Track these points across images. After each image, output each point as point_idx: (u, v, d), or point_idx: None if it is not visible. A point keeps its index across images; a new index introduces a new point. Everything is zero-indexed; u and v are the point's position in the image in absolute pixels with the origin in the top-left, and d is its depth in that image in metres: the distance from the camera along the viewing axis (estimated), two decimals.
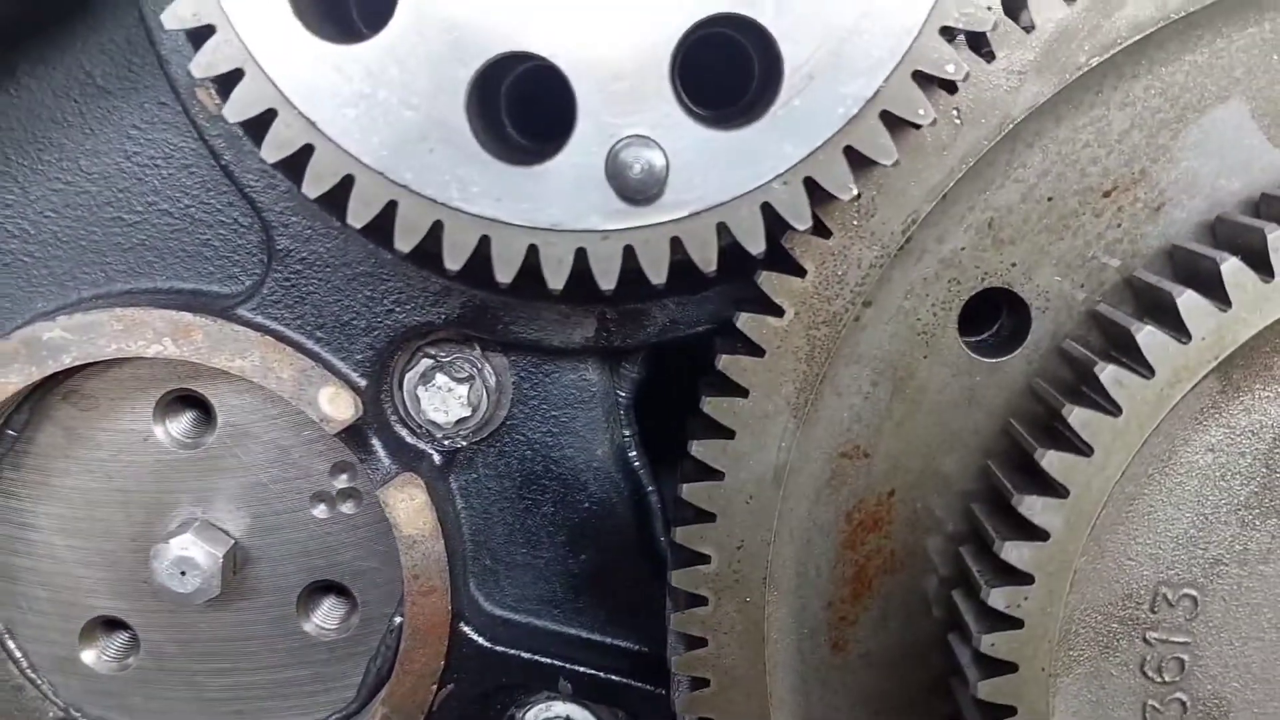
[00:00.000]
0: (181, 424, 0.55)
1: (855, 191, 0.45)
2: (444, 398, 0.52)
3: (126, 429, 0.55)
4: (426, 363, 0.52)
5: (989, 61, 0.52)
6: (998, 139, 0.52)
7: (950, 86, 0.49)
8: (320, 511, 0.56)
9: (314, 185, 0.42)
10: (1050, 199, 0.55)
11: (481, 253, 0.44)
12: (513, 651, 0.54)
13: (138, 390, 0.54)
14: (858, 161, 0.45)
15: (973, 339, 0.55)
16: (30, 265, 0.52)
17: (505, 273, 0.42)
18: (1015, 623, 0.50)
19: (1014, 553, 0.50)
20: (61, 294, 0.53)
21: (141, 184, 0.52)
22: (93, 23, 0.49)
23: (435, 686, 0.53)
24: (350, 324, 0.51)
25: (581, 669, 0.55)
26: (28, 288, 0.53)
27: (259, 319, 0.51)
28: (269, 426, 0.55)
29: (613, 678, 0.55)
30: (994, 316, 0.57)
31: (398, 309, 0.51)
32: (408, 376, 0.53)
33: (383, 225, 0.49)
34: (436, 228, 0.42)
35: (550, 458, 0.54)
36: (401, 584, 0.56)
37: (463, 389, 0.52)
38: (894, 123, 0.46)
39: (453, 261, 0.43)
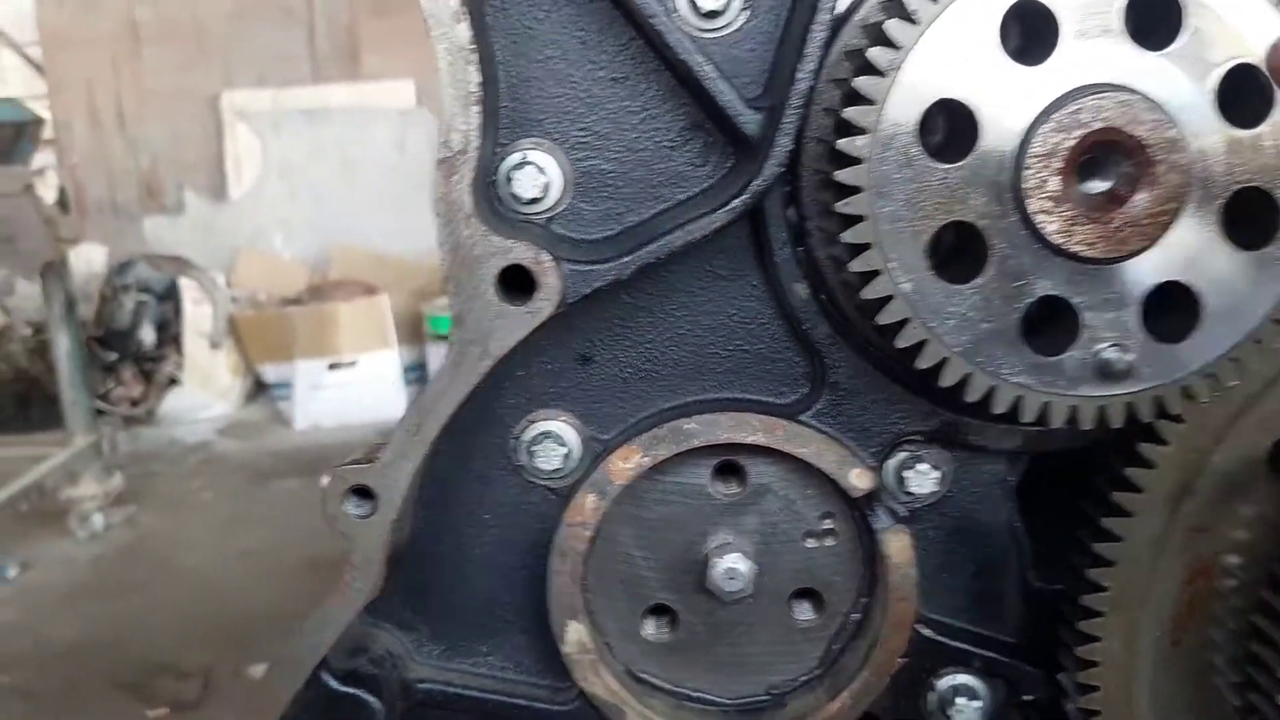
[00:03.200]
0: (726, 482, 0.84)
1: None
2: (921, 479, 0.81)
3: (691, 482, 0.83)
4: (905, 455, 0.81)
5: None
6: None
7: None
8: (809, 543, 0.84)
9: (923, 361, 0.70)
10: None
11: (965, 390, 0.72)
12: (942, 640, 0.84)
13: (701, 460, 0.82)
14: None
15: None
16: (656, 378, 0.79)
17: (1028, 416, 0.71)
18: None
19: None
20: (674, 397, 0.80)
21: (734, 335, 0.78)
22: (723, 232, 0.76)
23: (899, 660, 0.82)
24: (868, 430, 0.79)
25: (979, 651, 0.85)
26: (654, 392, 0.80)
27: (814, 423, 0.79)
28: (783, 486, 0.83)
29: (999, 657, 0.85)
30: None
31: (902, 423, 0.79)
32: (889, 463, 0.82)
33: (906, 372, 0.77)
34: (990, 391, 0.71)
35: (971, 518, 0.83)
36: (856, 592, 0.85)
37: (934, 474, 0.81)
38: None
39: (999, 408, 0.71)
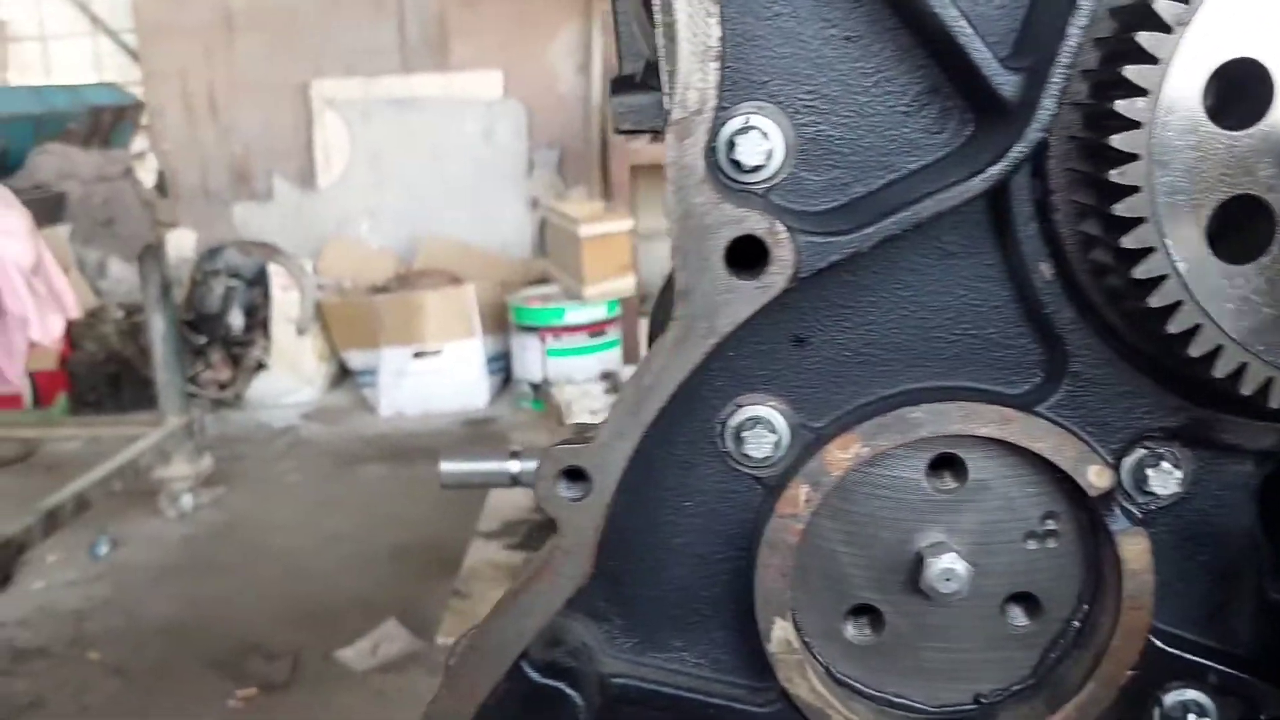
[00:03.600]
0: (941, 477, 0.78)
1: None
2: (1163, 479, 0.74)
3: (904, 477, 0.77)
4: (1145, 453, 0.75)
5: None
6: None
7: None
8: (1029, 544, 0.78)
9: (1195, 349, 0.64)
10: None
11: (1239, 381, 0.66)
12: (1173, 651, 0.77)
13: (915, 453, 0.77)
14: None
15: None
16: (875, 362, 0.74)
17: None
18: None
19: None
20: (894, 384, 0.74)
21: (963, 317, 0.73)
22: (963, 204, 0.70)
23: (1129, 672, 0.76)
24: (1108, 424, 0.73)
25: (1212, 665, 0.78)
26: (871, 377, 0.75)
27: (1051, 415, 0.73)
28: (1004, 484, 0.77)
29: (1234, 673, 0.78)
30: None
31: (1146, 418, 0.73)
32: (1128, 461, 0.75)
33: (1157, 362, 0.71)
34: (1267, 383, 0.64)
35: (1209, 523, 0.77)
36: (1077, 598, 0.79)
37: (1176, 473, 0.74)
38: None
39: (1275, 402, 0.64)
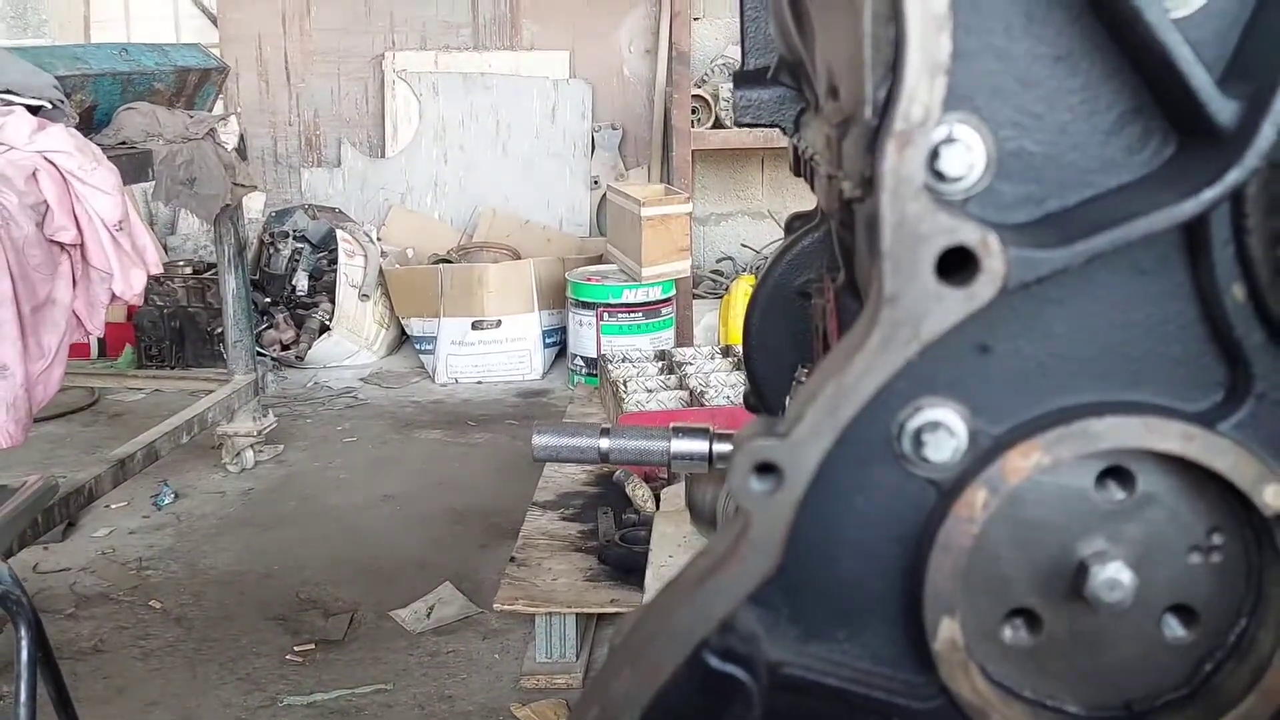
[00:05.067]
0: (1108, 487, 0.80)
1: None
2: None
3: (1073, 485, 0.79)
4: None
5: None
6: None
7: None
8: (1193, 557, 0.80)
9: None
10: None
11: None
12: None
13: (1089, 463, 0.78)
14: None
15: None
16: (1057, 374, 0.75)
17: None
18: None
19: None
20: (1073, 396, 0.76)
21: (1149, 334, 0.74)
22: (1149, 237, 0.71)
23: None
24: None
25: None
26: (1051, 388, 0.76)
27: (1230, 433, 0.75)
28: (1172, 497, 0.79)
29: None
30: None
31: None
32: None
33: None
34: None
35: None
36: (1236, 612, 0.81)
37: None
38: None
39: None
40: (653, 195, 6.09)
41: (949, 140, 0.71)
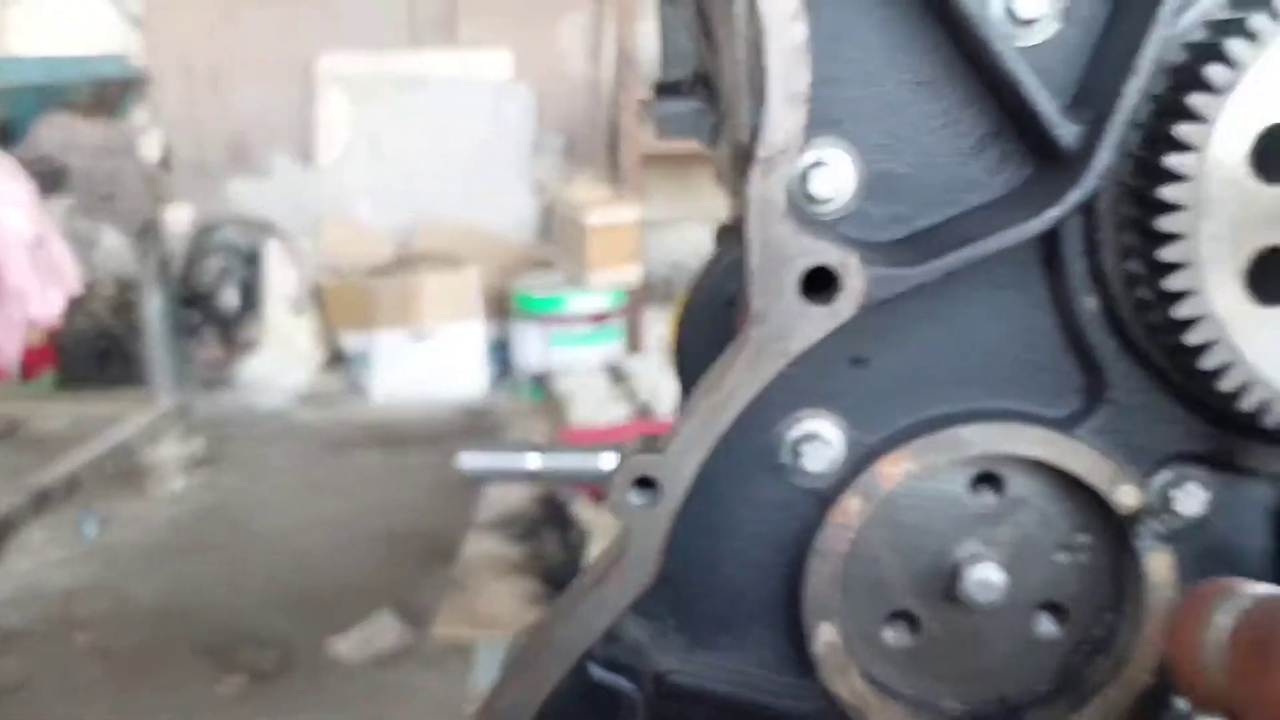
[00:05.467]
0: (981, 491, 0.83)
1: None
2: (1188, 500, 0.80)
3: (947, 490, 0.83)
4: (1172, 475, 0.80)
5: None
6: None
7: None
8: (1061, 556, 0.83)
9: (1226, 384, 0.69)
10: None
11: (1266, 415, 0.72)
12: None
13: (957, 469, 0.82)
14: None
15: None
16: (928, 384, 0.78)
17: None
18: None
19: None
20: (944, 405, 0.79)
21: (1012, 344, 0.77)
22: (1007, 252, 0.75)
23: (1148, 678, 0.82)
24: (1141, 448, 0.78)
25: None
26: (923, 398, 0.79)
27: (1087, 437, 0.78)
28: (1040, 499, 0.83)
29: None
30: None
31: (1176, 443, 0.78)
32: (1156, 482, 0.81)
33: (1191, 392, 0.76)
34: None
35: (1228, 543, 0.82)
36: (1101, 608, 0.85)
37: (1201, 495, 0.80)
38: None
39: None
40: (598, 200, 6.10)
41: (818, 163, 0.75)
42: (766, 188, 0.69)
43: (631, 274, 6.06)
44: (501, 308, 6.24)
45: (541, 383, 5.75)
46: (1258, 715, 0.56)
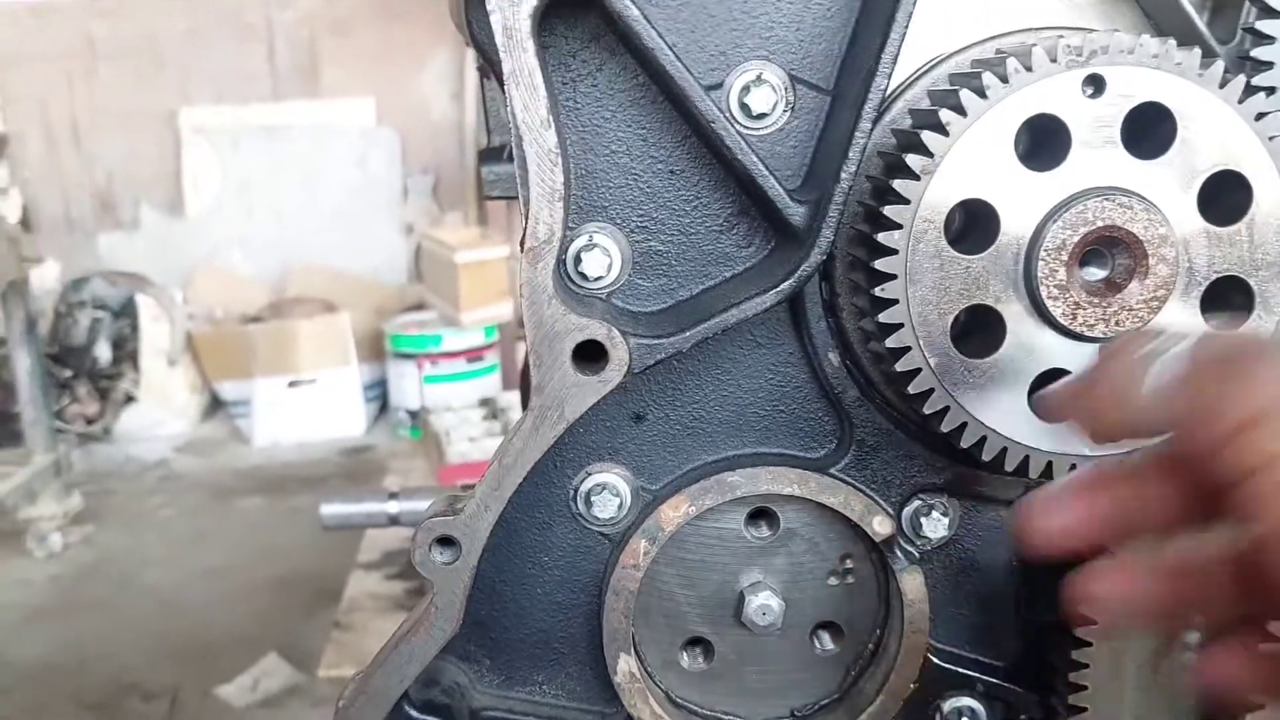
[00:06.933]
0: (758, 526, 0.93)
1: None
2: (934, 525, 0.91)
3: (727, 527, 0.92)
4: (919, 503, 0.91)
5: None
6: None
7: None
8: (831, 581, 0.93)
9: (945, 425, 0.80)
10: None
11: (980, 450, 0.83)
12: (949, 666, 0.94)
13: (735, 507, 0.91)
14: None
15: None
16: (702, 434, 0.88)
17: (1034, 473, 0.81)
18: None
19: None
20: (718, 452, 0.89)
21: (772, 396, 0.87)
22: (757, 315, 0.85)
23: (911, 685, 0.92)
24: (889, 481, 0.89)
25: (981, 676, 0.95)
26: (699, 446, 0.89)
27: (841, 475, 0.88)
28: (810, 531, 0.93)
29: (999, 682, 0.95)
30: None
31: (919, 476, 0.89)
32: (906, 511, 0.91)
33: (925, 432, 0.87)
34: (1002, 451, 0.81)
35: (975, 559, 0.93)
36: (873, 624, 0.95)
37: (945, 519, 0.91)
38: None
39: (1009, 465, 0.81)
40: (467, 239, 6.15)
41: (589, 245, 0.84)
42: (535, 274, 0.77)
43: (504, 309, 6.12)
44: (377, 349, 6.24)
45: (419, 420, 5.76)
46: (1221, 426, 0.56)
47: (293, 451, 6.25)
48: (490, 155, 1.56)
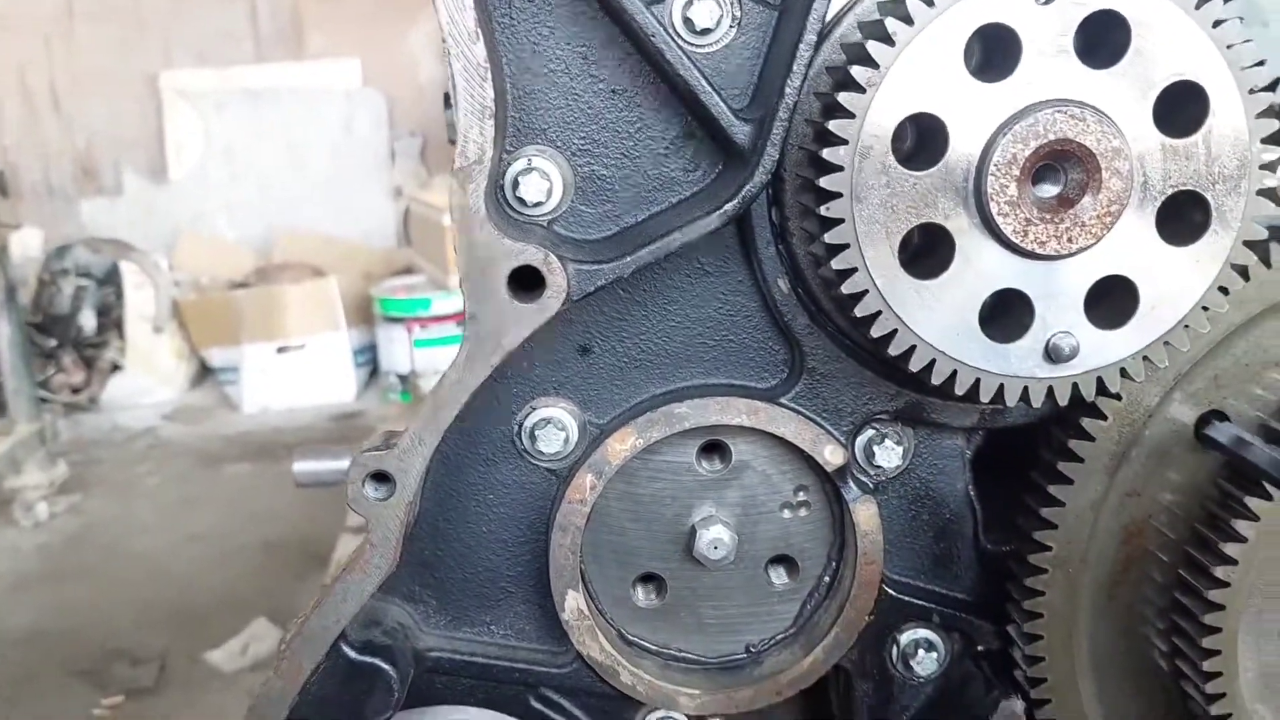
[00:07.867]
0: (710, 459, 0.91)
1: None
2: (887, 454, 0.89)
3: (678, 461, 0.90)
4: (872, 432, 0.89)
5: None
6: None
7: None
8: (785, 513, 0.91)
9: (893, 349, 0.77)
10: None
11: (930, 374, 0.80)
12: (905, 598, 0.92)
13: (686, 440, 0.89)
14: None
15: None
16: (649, 366, 0.85)
17: (986, 397, 0.78)
18: None
19: None
20: (666, 384, 0.86)
21: (720, 325, 0.85)
22: (714, 232, 0.82)
23: (867, 617, 0.90)
24: (840, 410, 0.86)
25: (937, 607, 0.93)
26: (647, 379, 0.86)
27: (792, 405, 0.86)
28: (762, 463, 0.91)
29: (955, 612, 0.93)
30: None
31: (871, 403, 0.86)
32: (859, 440, 0.89)
33: (876, 358, 0.85)
34: (952, 374, 0.78)
35: (930, 488, 0.91)
36: (827, 557, 0.93)
37: (898, 449, 0.89)
38: None
39: (959, 390, 0.79)
40: None
41: (527, 169, 0.81)
42: (465, 196, 0.75)
43: None
44: (366, 313, 6.19)
45: (409, 384, 5.73)
46: None
47: (282, 417, 6.21)
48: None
